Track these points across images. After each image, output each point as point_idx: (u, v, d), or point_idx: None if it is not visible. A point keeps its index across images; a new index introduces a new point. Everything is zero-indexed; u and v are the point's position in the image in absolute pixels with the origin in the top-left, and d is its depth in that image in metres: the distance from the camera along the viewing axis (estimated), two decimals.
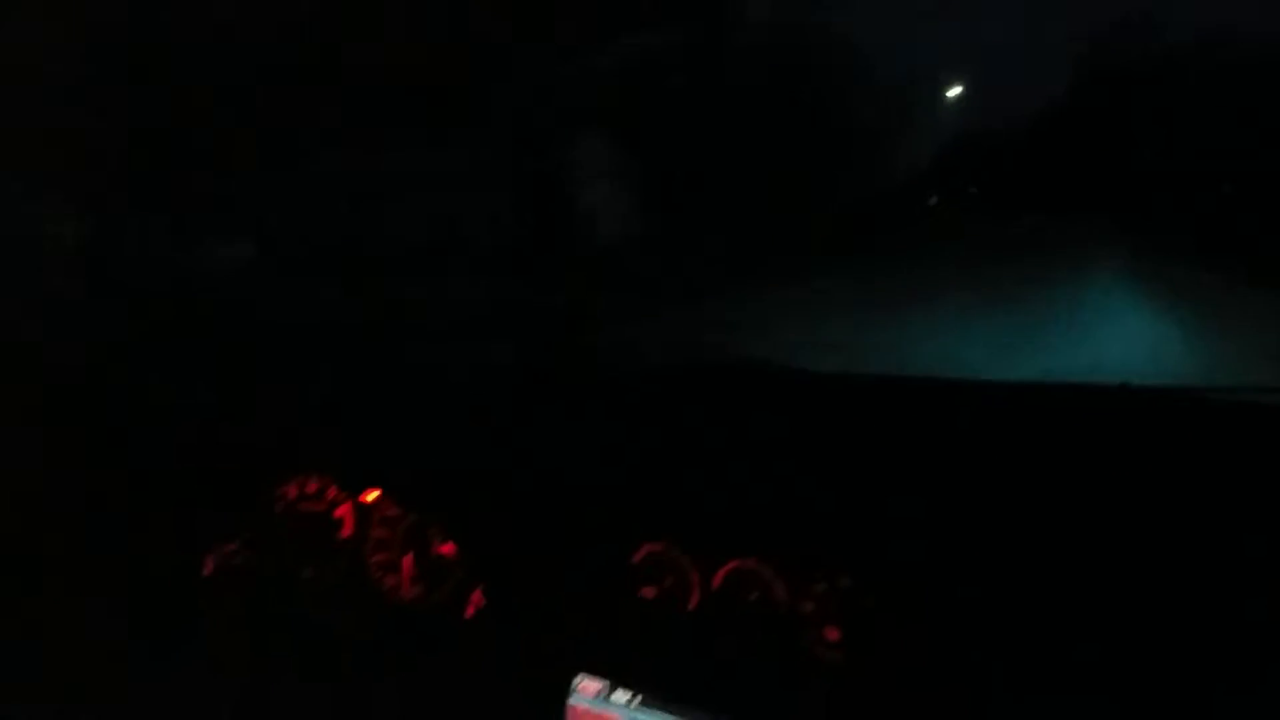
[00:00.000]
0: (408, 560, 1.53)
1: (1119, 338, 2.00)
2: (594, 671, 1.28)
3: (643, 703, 1.24)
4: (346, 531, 1.57)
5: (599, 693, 1.27)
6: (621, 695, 1.25)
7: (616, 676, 1.27)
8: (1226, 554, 1.05)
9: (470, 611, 1.46)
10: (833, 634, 1.21)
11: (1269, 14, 1.53)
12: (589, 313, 1.82)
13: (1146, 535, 1.09)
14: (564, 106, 1.80)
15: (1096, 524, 1.12)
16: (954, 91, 1.97)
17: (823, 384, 1.51)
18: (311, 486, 1.60)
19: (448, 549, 1.50)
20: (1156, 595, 1.05)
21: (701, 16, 1.85)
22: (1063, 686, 1.06)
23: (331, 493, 1.59)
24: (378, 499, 1.56)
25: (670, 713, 1.22)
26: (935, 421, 1.40)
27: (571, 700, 1.28)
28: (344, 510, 1.58)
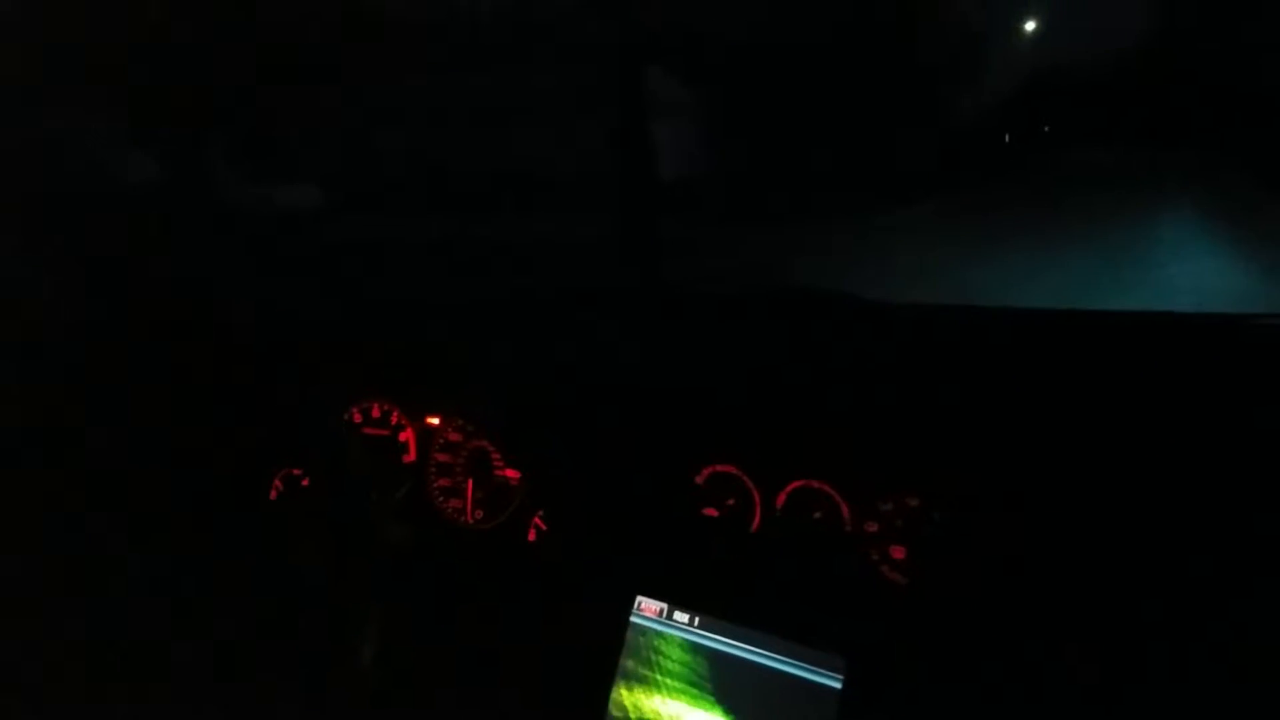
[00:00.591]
0: (470, 484, 1.55)
1: (1193, 270, 1.95)
2: (655, 593, 1.29)
3: (702, 623, 1.25)
4: (410, 456, 1.59)
5: (659, 613, 1.28)
6: (682, 616, 1.26)
7: (677, 597, 1.28)
8: None
9: (532, 535, 1.48)
10: (898, 552, 1.20)
11: None
12: (658, 239, 1.81)
13: (1208, 455, 1.07)
14: (640, 39, 1.77)
15: (1160, 445, 1.10)
16: (1028, 26, 1.91)
17: (891, 313, 1.48)
18: (376, 411, 1.62)
19: (511, 474, 1.51)
20: (1216, 511, 1.03)
21: None
22: (1129, 592, 1.05)
23: (395, 418, 1.61)
24: (440, 424, 1.58)
25: (729, 634, 1.22)
26: (1002, 348, 1.37)
27: (632, 620, 1.29)
28: (407, 435, 1.60)
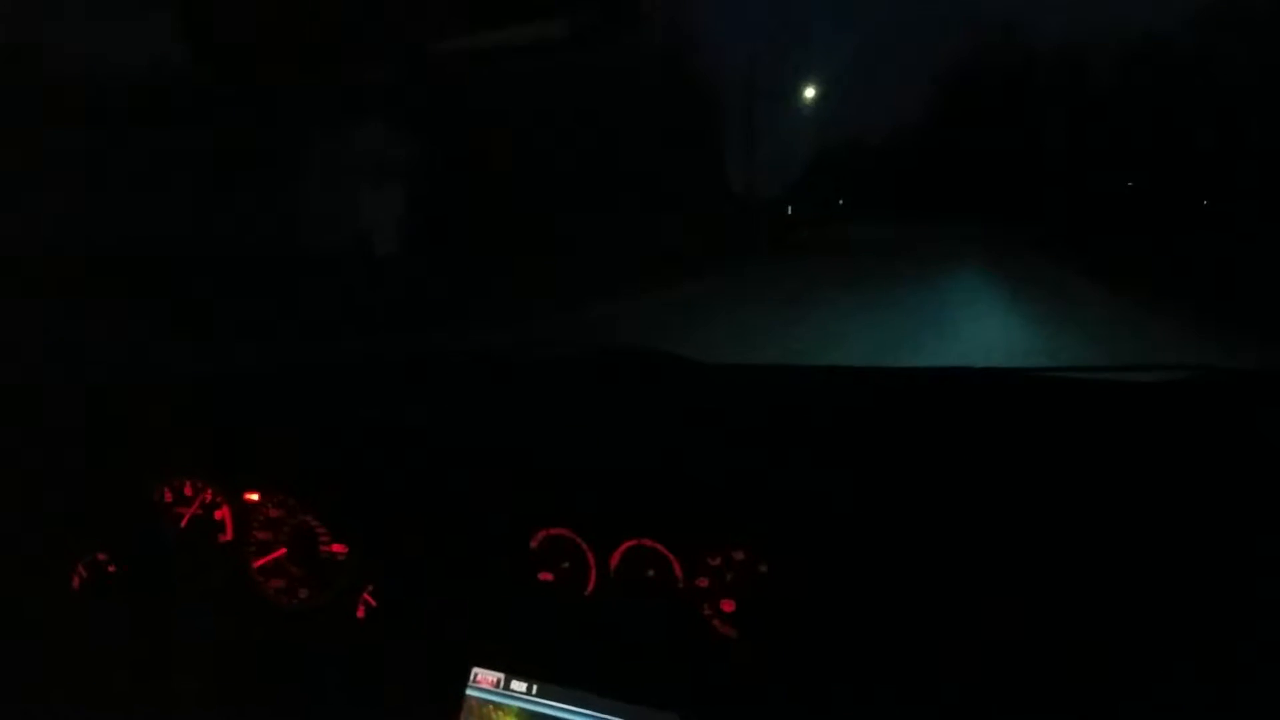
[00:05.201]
0: (293, 561, 1.48)
1: (980, 330, 2.16)
2: (491, 663, 1.27)
3: (540, 691, 1.24)
4: (227, 535, 1.51)
5: (496, 684, 1.26)
6: (519, 685, 1.25)
7: (514, 666, 1.26)
8: (1071, 507, 1.12)
9: (361, 612, 1.43)
10: (728, 606, 1.24)
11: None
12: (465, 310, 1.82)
13: (1001, 496, 1.16)
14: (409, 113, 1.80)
15: (961, 490, 1.19)
16: (817, 109, 2.08)
17: (711, 372, 1.55)
18: (188, 489, 1.53)
19: (337, 549, 1.46)
20: (1017, 550, 1.12)
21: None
22: (945, 634, 1.12)
23: (209, 495, 1.52)
24: (259, 500, 1.50)
25: (567, 699, 1.22)
26: (818, 404, 1.45)
27: (468, 693, 1.27)
28: (223, 513, 1.51)
